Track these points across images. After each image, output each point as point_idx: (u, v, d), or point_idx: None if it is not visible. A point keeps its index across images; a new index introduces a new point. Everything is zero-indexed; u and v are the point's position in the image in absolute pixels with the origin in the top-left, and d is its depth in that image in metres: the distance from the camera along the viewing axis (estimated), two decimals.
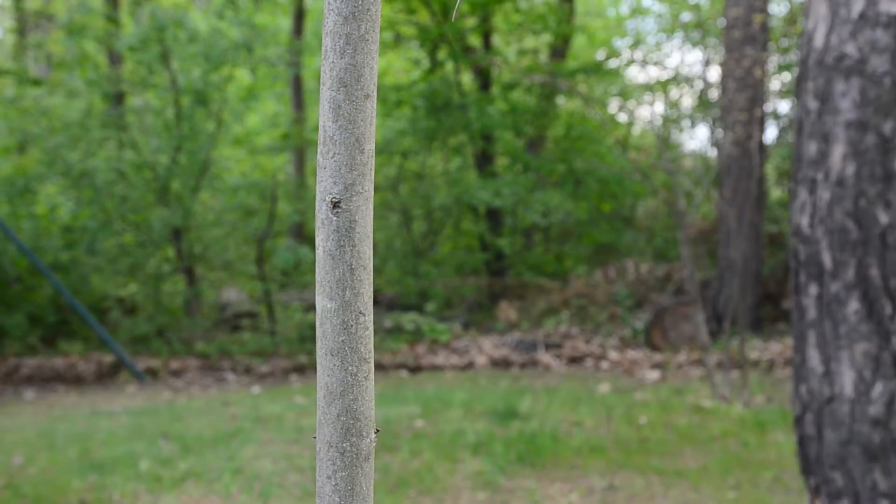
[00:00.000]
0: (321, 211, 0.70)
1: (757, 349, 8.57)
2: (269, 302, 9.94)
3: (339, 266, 0.70)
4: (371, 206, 0.71)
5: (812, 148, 2.59)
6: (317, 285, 0.71)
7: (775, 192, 12.25)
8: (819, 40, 2.57)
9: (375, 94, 0.70)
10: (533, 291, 11.18)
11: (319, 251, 0.70)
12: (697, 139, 22.39)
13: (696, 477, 4.35)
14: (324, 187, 0.70)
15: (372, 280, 0.72)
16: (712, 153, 11.63)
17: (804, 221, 2.60)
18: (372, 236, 0.71)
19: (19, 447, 5.32)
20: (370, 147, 0.70)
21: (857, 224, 2.46)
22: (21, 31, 14.70)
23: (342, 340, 0.71)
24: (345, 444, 0.72)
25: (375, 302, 10.40)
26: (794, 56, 9.89)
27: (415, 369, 8.69)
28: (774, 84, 10.57)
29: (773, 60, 9.77)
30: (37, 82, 11.04)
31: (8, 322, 9.02)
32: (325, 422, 0.73)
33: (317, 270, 0.71)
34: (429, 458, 4.73)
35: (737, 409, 5.93)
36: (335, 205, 0.69)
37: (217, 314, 10.68)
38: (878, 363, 2.42)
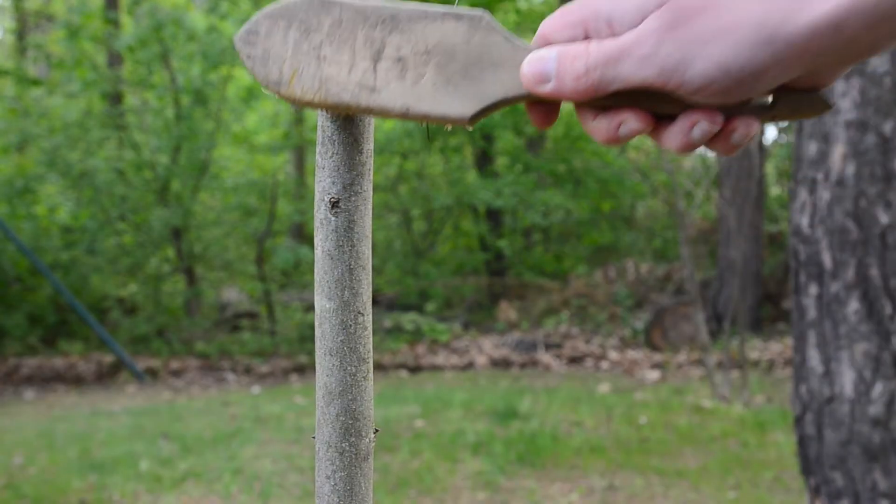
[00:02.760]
0: (319, 211, 0.70)
1: (757, 349, 8.57)
2: (269, 302, 9.94)
3: (338, 266, 0.70)
4: (370, 207, 0.71)
5: (812, 148, 2.59)
6: (315, 286, 0.71)
7: (775, 192, 12.26)
8: None
9: None
10: (533, 291, 11.19)
11: (318, 251, 0.70)
12: None
13: (696, 477, 4.35)
14: (322, 187, 0.70)
15: (371, 280, 0.72)
16: (712, 153, 11.62)
17: (804, 221, 2.60)
18: (371, 236, 0.71)
19: (19, 447, 5.32)
20: (369, 147, 0.70)
21: (857, 224, 2.46)
22: (21, 31, 14.70)
23: (341, 340, 0.71)
24: (343, 444, 0.72)
25: (375, 302, 10.41)
26: None
27: (415, 369, 8.69)
28: None
29: None
30: (36, 82, 11.04)
31: (8, 322, 9.03)
32: (324, 422, 0.72)
33: (315, 270, 0.71)
34: (429, 458, 4.73)
35: (737, 409, 5.93)
36: (334, 205, 0.69)
37: (217, 314, 10.68)
38: (878, 363, 2.42)
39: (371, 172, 0.71)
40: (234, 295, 10.91)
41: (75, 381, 8.41)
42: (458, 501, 4.04)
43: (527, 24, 11.95)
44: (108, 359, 8.90)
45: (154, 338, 9.49)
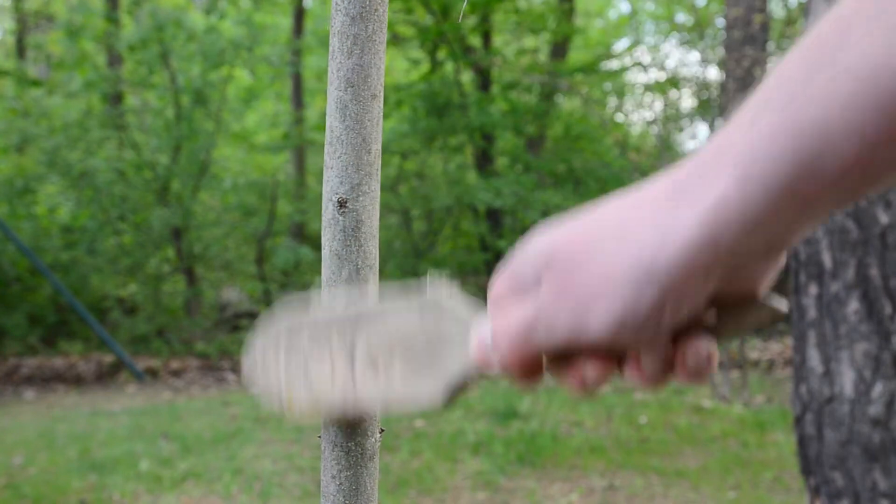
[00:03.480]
0: (327, 210, 0.70)
1: (757, 349, 8.57)
2: (269, 302, 9.94)
3: (346, 266, 0.70)
4: (377, 206, 0.72)
5: None
6: (323, 285, 0.72)
7: None
8: None
9: (382, 94, 0.70)
10: None
11: (326, 251, 0.71)
12: (697, 139, 22.36)
13: (696, 477, 4.35)
14: (330, 187, 0.70)
15: (378, 280, 0.73)
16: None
17: None
18: (378, 236, 0.72)
19: (19, 447, 5.32)
20: (377, 147, 0.71)
21: (857, 224, 2.46)
22: (21, 31, 14.69)
23: None
24: (350, 444, 0.73)
25: None
26: None
27: None
28: None
29: (773, 60, 9.78)
30: (36, 83, 11.04)
31: (8, 322, 9.02)
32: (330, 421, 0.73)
33: (323, 270, 0.71)
34: (429, 458, 4.73)
35: (737, 409, 5.94)
36: (341, 204, 0.70)
37: (217, 314, 10.68)
38: (878, 363, 2.42)
39: (378, 173, 0.71)
40: (234, 295, 10.91)
41: (75, 381, 8.41)
42: (458, 501, 4.04)
43: (526, 23, 11.94)
44: (108, 359, 8.89)
45: (154, 338, 9.49)
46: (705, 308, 0.52)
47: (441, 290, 0.63)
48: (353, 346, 0.65)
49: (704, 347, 0.52)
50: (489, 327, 0.58)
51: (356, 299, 0.68)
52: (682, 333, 0.53)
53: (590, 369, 0.55)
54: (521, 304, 0.55)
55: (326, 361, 0.66)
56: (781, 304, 0.53)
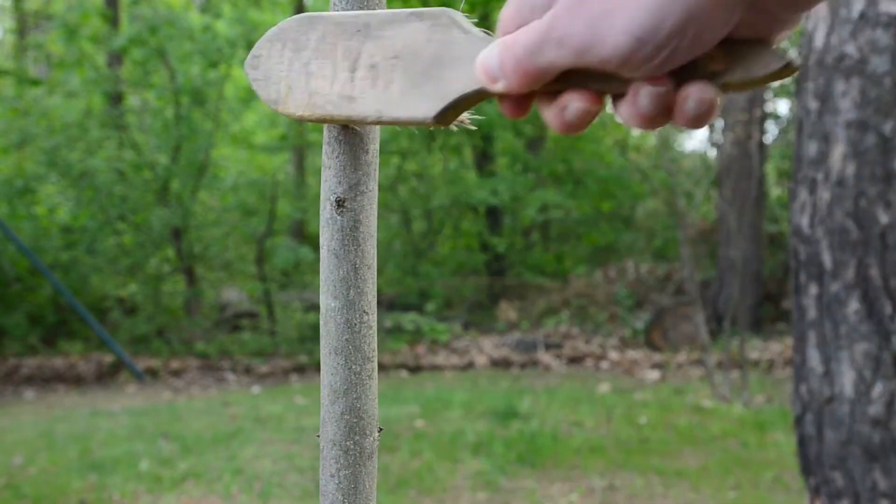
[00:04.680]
0: (325, 210, 0.70)
1: (757, 349, 8.57)
2: (269, 302, 9.93)
3: (343, 265, 0.70)
4: (375, 206, 0.72)
5: (812, 148, 2.59)
6: (321, 284, 0.72)
7: (775, 192, 12.26)
8: (819, 40, 2.58)
9: None
10: (533, 291, 11.19)
11: (324, 250, 0.71)
12: (697, 139, 22.35)
13: (696, 477, 4.35)
14: (328, 187, 0.70)
15: (375, 279, 0.72)
16: (712, 153, 11.64)
17: (804, 221, 2.60)
18: (376, 236, 0.72)
19: (19, 447, 5.32)
20: (374, 147, 0.71)
21: (857, 224, 2.46)
22: (21, 31, 14.69)
23: (346, 339, 0.71)
24: (348, 443, 0.73)
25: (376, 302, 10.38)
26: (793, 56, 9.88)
27: (415, 369, 8.70)
28: (774, 84, 10.58)
29: None
30: (36, 82, 11.04)
31: (8, 322, 9.02)
32: (329, 420, 0.73)
33: (321, 270, 0.71)
34: (429, 458, 4.73)
35: (737, 409, 5.94)
36: (339, 204, 0.69)
37: (217, 314, 10.68)
38: (878, 363, 2.42)
39: (377, 172, 0.71)
40: (234, 295, 10.91)
41: (75, 381, 8.41)
42: (458, 501, 4.04)
43: None
44: (108, 359, 8.89)
45: (154, 338, 9.49)
46: (717, 51, 0.51)
47: (456, 14, 0.61)
48: (358, 52, 0.63)
49: (708, 92, 0.51)
50: (496, 45, 0.56)
51: (369, 8, 0.66)
52: (687, 76, 0.52)
53: (577, 100, 0.54)
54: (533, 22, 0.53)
55: (329, 63, 0.64)
56: (792, 57, 0.52)
